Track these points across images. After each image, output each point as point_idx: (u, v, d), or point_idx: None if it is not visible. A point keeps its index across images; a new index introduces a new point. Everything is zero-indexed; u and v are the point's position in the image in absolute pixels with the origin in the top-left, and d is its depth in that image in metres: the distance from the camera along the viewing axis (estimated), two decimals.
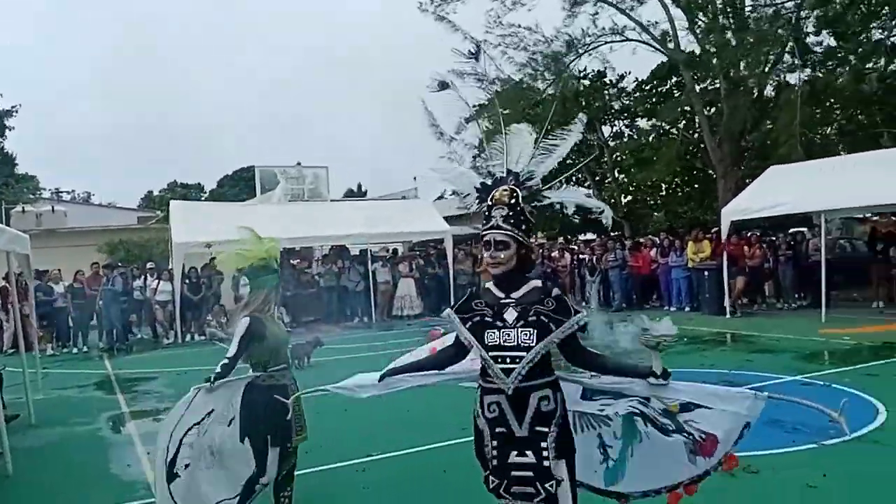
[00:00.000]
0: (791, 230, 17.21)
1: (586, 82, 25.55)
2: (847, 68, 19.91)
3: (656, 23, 21.17)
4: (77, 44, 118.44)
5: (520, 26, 21.64)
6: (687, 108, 23.15)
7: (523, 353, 2.63)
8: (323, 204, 22.98)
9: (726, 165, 20.24)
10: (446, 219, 18.82)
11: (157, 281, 15.40)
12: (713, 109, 21.64)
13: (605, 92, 25.98)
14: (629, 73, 25.87)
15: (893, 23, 18.46)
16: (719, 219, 14.57)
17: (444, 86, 3.04)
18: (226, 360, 3.86)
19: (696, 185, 25.89)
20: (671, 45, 21.12)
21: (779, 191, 13.54)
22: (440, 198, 33.16)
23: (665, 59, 22.78)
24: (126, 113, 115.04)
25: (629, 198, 27.13)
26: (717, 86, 20.84)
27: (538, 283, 2.79)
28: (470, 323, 2.76)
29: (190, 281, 15.45)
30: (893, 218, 15.56)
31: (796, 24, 19.34)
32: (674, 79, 23.94)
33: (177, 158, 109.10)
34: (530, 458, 2.64)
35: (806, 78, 20.15)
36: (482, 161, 3.03)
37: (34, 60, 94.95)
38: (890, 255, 14.01)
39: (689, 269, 15.22)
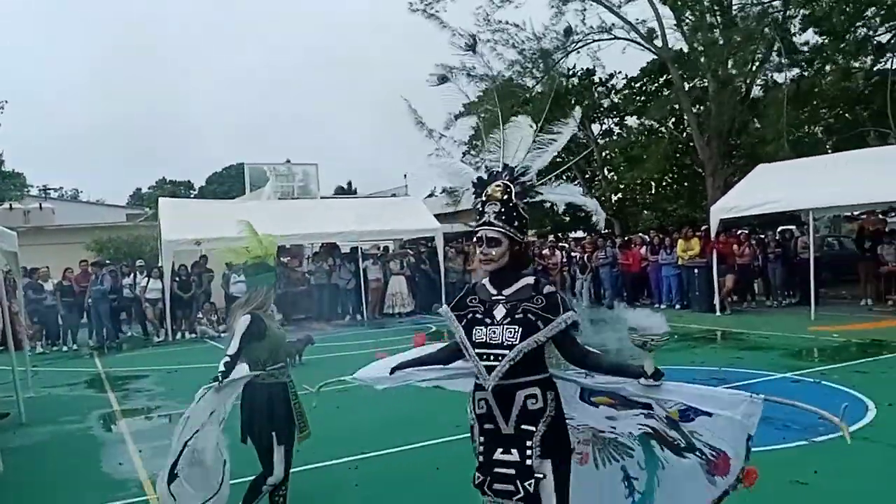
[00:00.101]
0: (780, 228, 17.30)
1: (575, 80, 25.59)
2: (833, 67, 20.07)
3: (644, 21, 21.28)
4: (67, 42, 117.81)
5: (508, 23, 21.67)
6: (676, 107, 23.24)
7: (506, 351, 2.59)
8: (313, 201, 22.92)
9: (715, 163, 20.35)
10: (437, 216, 18.83)
11: (146, 279, 15.33)
12: (701, 108, 21.71)
13: (594, 90, 26.04)
14: (619, 72, 26.04)
15: (877, 20, 18.59)
16: (709, 217, 14.64)
17: (444, 79, 3.03)
18: (227, 358, 3.78)
19: (685, 183, 25.96)
20: (658, 43, 21.19)
21: (768, 189, 13.62)
22: (430, 195, 33.17)
23: (654, 57, 22.86)
24: (114, 111, 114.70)
25: (619, 196, 27.18)
26: (706, 84, 20.92)
27: (531, 280, 2.73)
28: (465, 320, 2.74)
29: (180, 278, 15.42)
30: (881, 216, 15.71)
31: (783, 22, 19.45)
32: (663, 77, 24.01)
33: (166, 156, 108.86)
34: (514, 456, 2.60)
35: (792, 77, 20.30)
36: (471, 157, 3.01)
37: (25, 59, 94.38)
38: (878, 253, 14.11)
39: (678, 267, 15.30)
